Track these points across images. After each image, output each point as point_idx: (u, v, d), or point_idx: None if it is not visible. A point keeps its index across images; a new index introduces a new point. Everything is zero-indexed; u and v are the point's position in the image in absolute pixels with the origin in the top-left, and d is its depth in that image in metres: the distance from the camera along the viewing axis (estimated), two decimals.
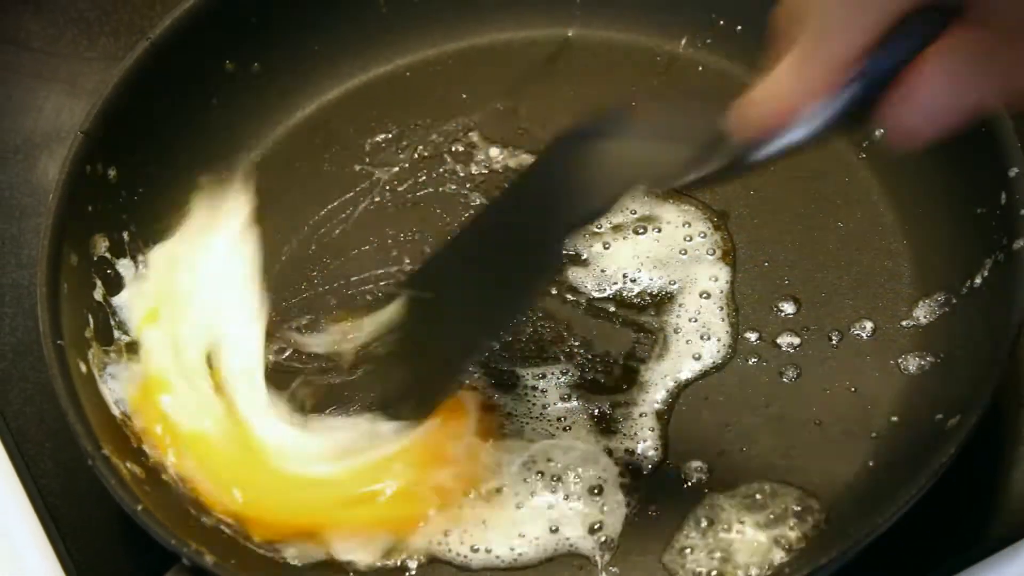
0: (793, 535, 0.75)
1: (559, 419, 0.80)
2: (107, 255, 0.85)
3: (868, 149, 0.90)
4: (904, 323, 0.83)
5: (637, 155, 0.65)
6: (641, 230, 0.87)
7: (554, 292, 0.85)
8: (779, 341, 0.83)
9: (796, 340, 0.83)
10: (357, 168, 0.95)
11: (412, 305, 0.80)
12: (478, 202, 0.92)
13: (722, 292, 0.85)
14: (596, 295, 0.86)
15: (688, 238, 0.87)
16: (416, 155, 0.95)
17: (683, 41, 0.98)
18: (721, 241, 0.88)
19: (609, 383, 0.82)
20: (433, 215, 0.92)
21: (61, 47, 1.07)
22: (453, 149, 0.95)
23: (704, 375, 0.82)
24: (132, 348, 0.83)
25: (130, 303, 0.85)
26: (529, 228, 0.71)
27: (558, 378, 0.82)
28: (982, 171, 0.81)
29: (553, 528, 0.76)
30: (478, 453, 0.78)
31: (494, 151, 0.94)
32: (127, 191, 0.89)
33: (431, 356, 0.79)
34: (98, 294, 0.84)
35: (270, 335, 0.85)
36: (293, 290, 0.89)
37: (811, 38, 0.56)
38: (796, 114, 0.57)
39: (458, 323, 0.77)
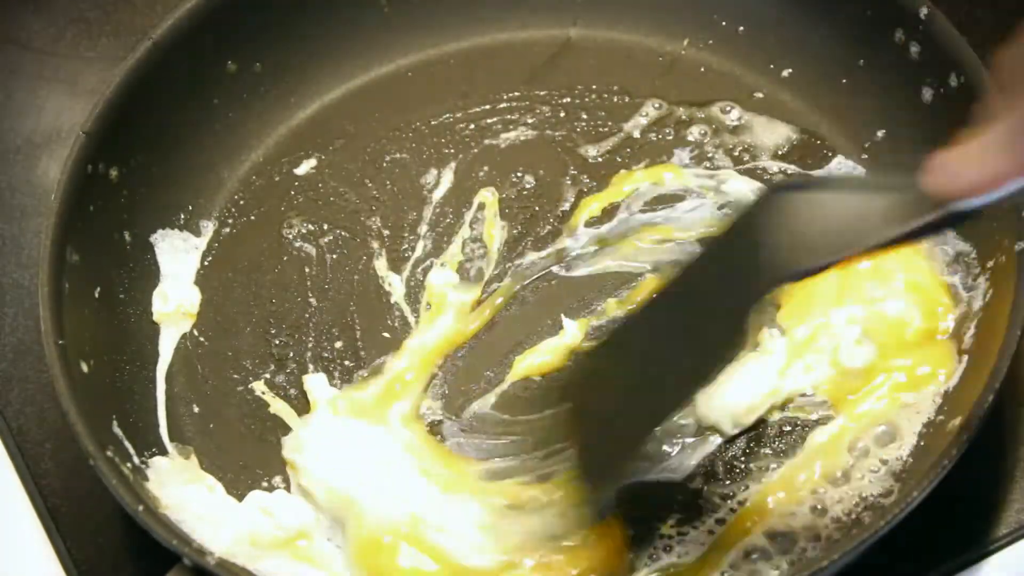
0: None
1: None
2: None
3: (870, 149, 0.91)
4: None
5: (844, 212, 0.61)
6: None
7: None
8: None
9: None
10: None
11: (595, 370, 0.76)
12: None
13: None
14: None
15: None
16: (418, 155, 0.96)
17: (685, 42, 0.98)
18: None
19: None
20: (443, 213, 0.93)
21: (62, 47, 1.07)
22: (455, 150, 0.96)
23: None
24: None
25: None
26: (728, 288, 0.66)
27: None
28: None
29: None
30: None
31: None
32: (129, 191, 0.89)
33: (615, 426, 0.74)
34: None
35: None
36: None
37: None
38: (1000, 186, 0.56)
39: (644, 391, 0.72)
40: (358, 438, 0.81)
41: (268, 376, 0.87)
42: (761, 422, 0.80)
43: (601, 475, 0.74)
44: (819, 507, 0.77)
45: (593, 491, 0.75)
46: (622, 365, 0.73)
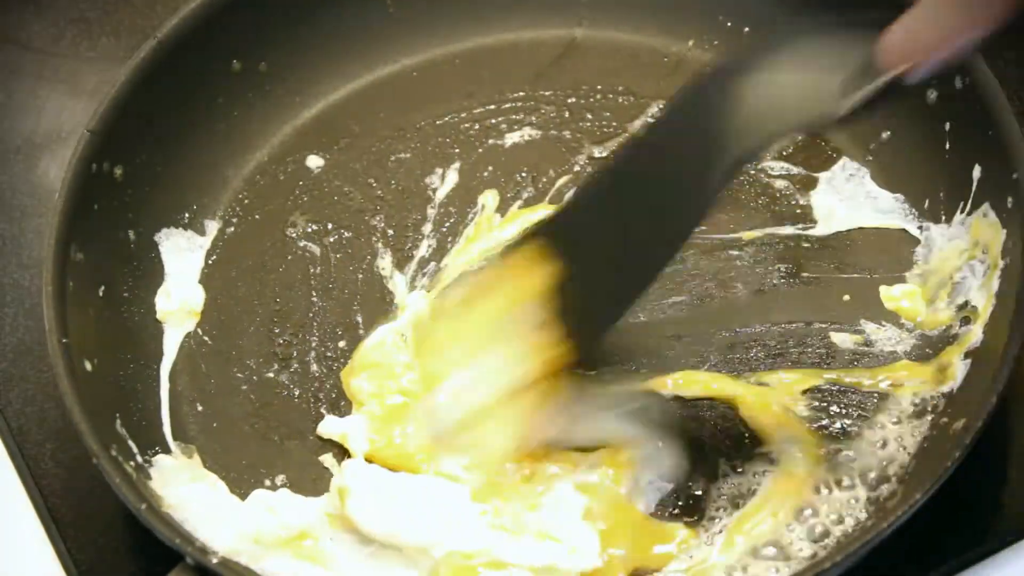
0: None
1: None
2: None
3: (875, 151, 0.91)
4: None
5: (790, 88, 0.64)
6: None
7: None
8: None
9: None
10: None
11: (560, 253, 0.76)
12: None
13: None
14: None
15: None
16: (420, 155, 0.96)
17: (690, 42, 0.98)
18: None
19: None
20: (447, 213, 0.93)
21: (62, 47, 1.07)
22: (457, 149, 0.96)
23: None
24: None
25: None
26: (680, 171, 0.68)
27: None
28: (991, 172, 0.81)
29: None
30: None
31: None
32: (133, 190, 0.89)
33: (587, 303, 0.75)
34: None
35: None
36: None
37: None
38: (945, 52, 0.60)
39: (608, 275, 0.74)
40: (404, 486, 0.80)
41: (272, 375, 0.86)
42: None
43: (590, 331, 0.75)
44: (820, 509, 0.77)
45: (582, 349, 0.75)
46: (604, 220, 0.74)
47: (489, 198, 0.93)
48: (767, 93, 0.64)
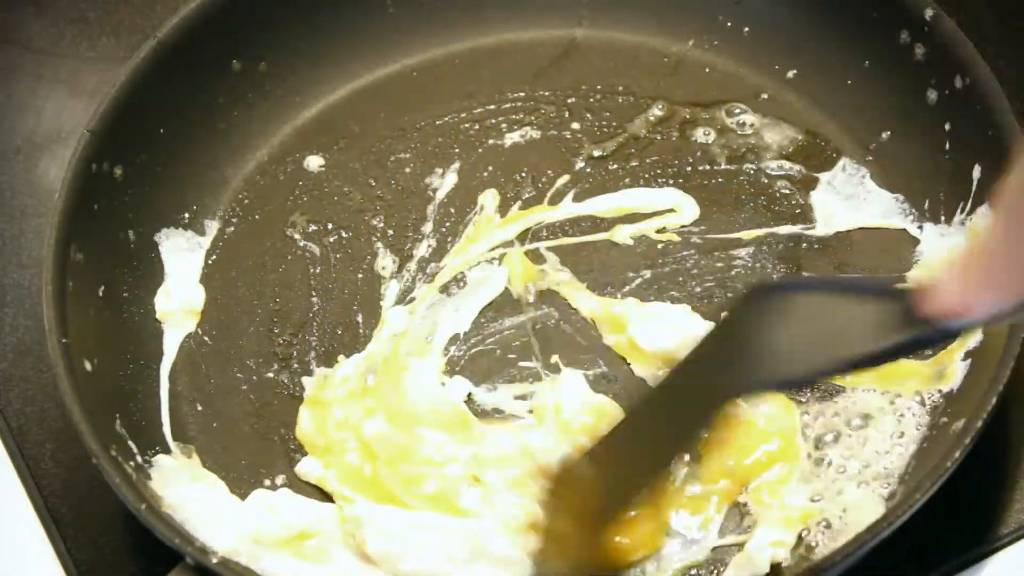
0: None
1: None
2: None
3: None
4: None
5: (832, 318, 0.61)
6: None
7: None
8: None
9: None
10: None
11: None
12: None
13: None
14: None
15: None
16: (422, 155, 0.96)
17: (690, 43, 0.98)
18: None
19: None
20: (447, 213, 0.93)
21: (62, 47, 1.07)
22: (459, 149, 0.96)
23: None
24: None
25: None
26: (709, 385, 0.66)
27: None
28: (991, 172, 0.82)
29: None
30: None
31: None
32: (133, 190, 0.89)
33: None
34: None
35: None
36: None
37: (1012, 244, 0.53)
38: (993, 312, 0.56)
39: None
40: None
41: (272, 375, 0.86)
42: None
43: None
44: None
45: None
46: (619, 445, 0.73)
47: (489, 198, 0.93)
48: (814, 317, 0.62)
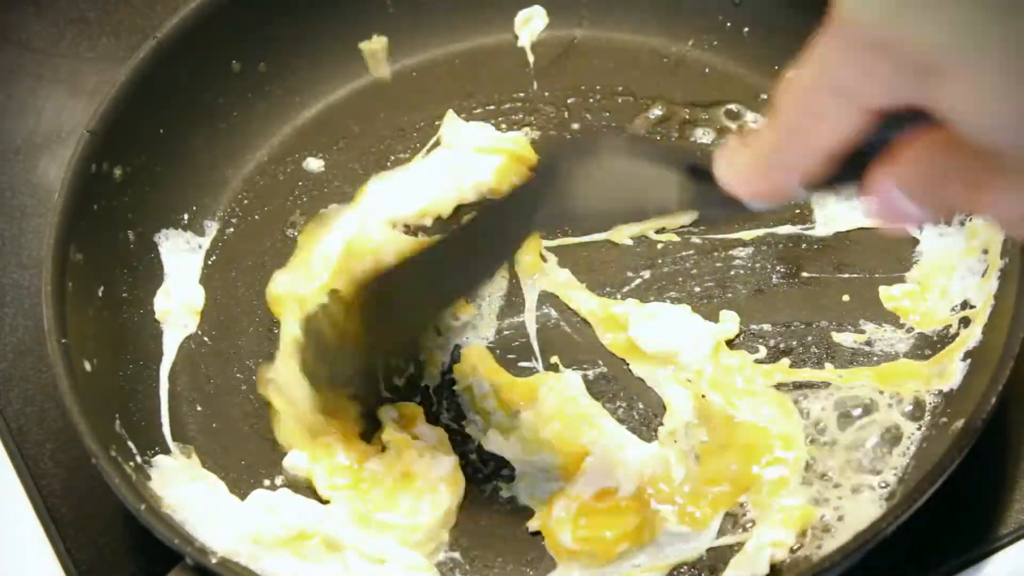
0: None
1: None
2: None
3: None
4: None
5: (629, 181, 0.63)
6: None
7: None
8: None
9: None
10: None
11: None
12: None
13: None
14: None
15: None
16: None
17: (690, 43, 0.98)
18: None
19: None
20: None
21: (62, 48, 1.07)
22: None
23: None
24: None
25: None
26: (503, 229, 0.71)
27: None
28: None
29: None
30: None
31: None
32: (133, 190, 0.89)
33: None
34: None
35: None
36: None
37: (790, 129, 0.54)
38: (774, 194, 0.57)
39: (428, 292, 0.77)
40: None
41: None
42: None
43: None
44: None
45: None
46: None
47: None
48: (596, 181, 0.64)
